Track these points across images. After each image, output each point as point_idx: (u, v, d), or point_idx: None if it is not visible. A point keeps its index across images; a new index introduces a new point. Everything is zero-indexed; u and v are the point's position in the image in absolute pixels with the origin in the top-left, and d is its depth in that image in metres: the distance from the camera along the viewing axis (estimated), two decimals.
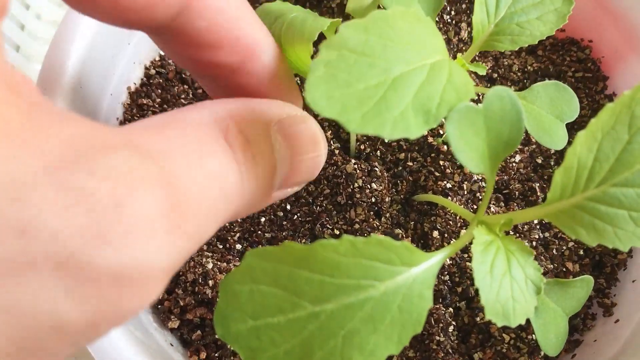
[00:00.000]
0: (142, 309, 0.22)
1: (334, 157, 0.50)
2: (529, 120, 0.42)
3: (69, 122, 0.21)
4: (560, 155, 0.54)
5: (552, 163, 0.53)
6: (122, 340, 0.39)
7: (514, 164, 0.51)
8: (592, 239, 0.34)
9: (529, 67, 0.56)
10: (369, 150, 0.51)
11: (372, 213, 0.48)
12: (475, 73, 0.54)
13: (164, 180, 0.23)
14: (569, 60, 0.56)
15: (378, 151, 0.51)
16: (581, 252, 0.48)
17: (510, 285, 0.33)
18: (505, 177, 0.50)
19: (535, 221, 0.49)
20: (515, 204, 0.49)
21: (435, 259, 0.33)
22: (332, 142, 0.51)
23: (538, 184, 0.50)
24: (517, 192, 0.50)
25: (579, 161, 0.33)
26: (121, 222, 0.20)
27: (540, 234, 0.48)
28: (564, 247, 0.48)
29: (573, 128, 0.52)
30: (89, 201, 0.20)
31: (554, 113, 0.43)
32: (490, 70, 0.55)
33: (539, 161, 0.53)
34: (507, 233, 0.42)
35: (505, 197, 0.50)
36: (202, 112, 0.28)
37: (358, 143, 0.51)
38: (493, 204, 0.49)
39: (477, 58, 0.56)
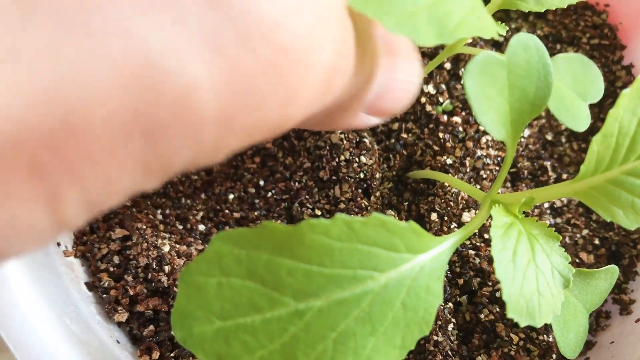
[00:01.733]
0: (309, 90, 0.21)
1: None
2: None
3: None
4: (571, 132, 0.50)
5: (564, 140, 0.49)
6: (54, 336, 0.34)
7: (522, 140, 0.46)
8: (631, 221, 0.30)
9: (538, 32, 0.52)
10: None
11: (360, 191, 0.43)
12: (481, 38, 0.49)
13: None
14: (584, 26, 0.52)
15: None
16: (596, 241, 0.44)
17: (536, 277, 0.29)
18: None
19: (547, 205, 0.45)
20: (523, 185, 0.45)
21: (447, 244, 0.29)
22: None
23: (549, 163, 0.46)
24: (525, 171, 0.46)
25: (620, 126, 0.29)
26: None
27: (552, 220, 0.44)
28: (578, 235, 0.44)
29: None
30: None
31: (577, 91, 0.38)
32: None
33: (549, 138, 0.48)
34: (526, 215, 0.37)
35: (512, 177, 0.46)
36: None
37: None
38: None
39: None
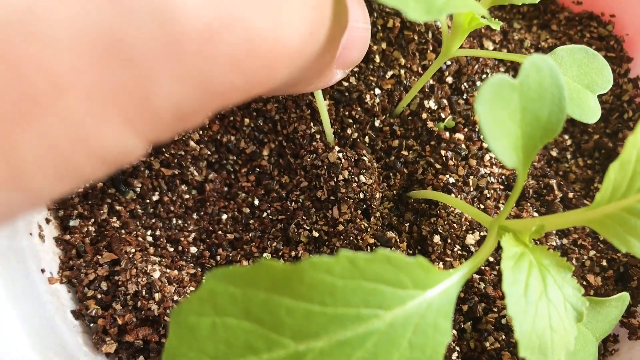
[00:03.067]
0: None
1: (314, 143, 0.43)
2: None
3: None
4: (576, 148, 0.48)
5: (569, 157, 0.48)
6: None
7: None
8: None
9: (542, 43, 0.50)
10: (356, 135, 0.44)
11: (359, 212, 0.41)
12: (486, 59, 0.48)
13: None
14: (589, 37, 0.51)
15: (367, 137, 0.44)
16: (604, 263, 0.43)
17: (548, 311, 0.28)
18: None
19: None
20: (528, 204, 0.44)
21: (455, 278, 0.27)
22: (311, 124, 0.44)
23: (555, 181, 0.45)
24: (531, 190, 0.44)
25: (638, 153, 0.27)
26: None
27: (558, 241, 0.43)
28: (585, 257, 0.43)
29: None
30: None
31: (583, 82, 0.37)
32: (498, 46, 0.49)
33: (554, 154, 0.47)
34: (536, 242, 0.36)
35: None
36: None
37: (344, 126, 0.44)
38: (502, 203, 0.43)
39: (482, 30, 0.50)
